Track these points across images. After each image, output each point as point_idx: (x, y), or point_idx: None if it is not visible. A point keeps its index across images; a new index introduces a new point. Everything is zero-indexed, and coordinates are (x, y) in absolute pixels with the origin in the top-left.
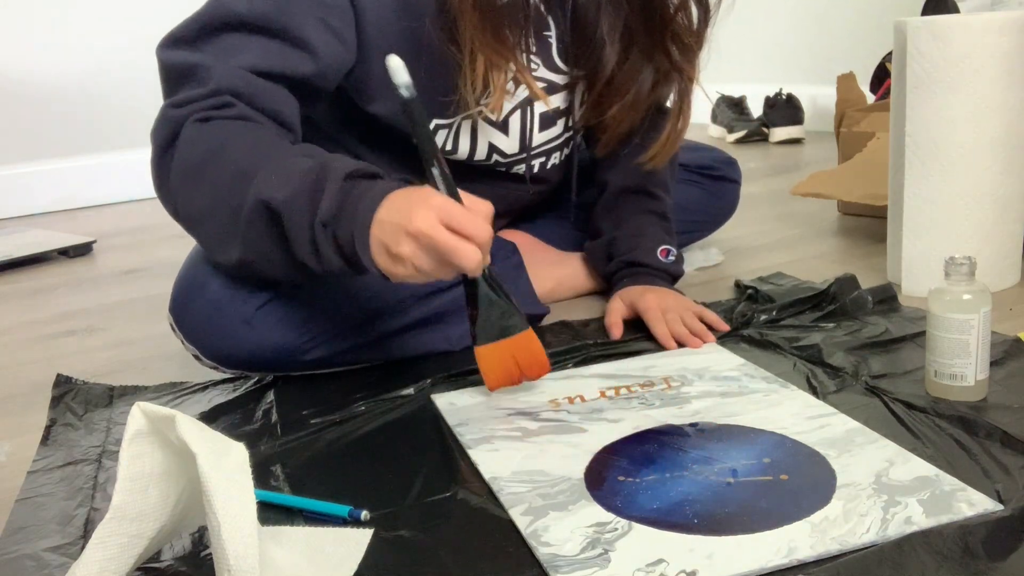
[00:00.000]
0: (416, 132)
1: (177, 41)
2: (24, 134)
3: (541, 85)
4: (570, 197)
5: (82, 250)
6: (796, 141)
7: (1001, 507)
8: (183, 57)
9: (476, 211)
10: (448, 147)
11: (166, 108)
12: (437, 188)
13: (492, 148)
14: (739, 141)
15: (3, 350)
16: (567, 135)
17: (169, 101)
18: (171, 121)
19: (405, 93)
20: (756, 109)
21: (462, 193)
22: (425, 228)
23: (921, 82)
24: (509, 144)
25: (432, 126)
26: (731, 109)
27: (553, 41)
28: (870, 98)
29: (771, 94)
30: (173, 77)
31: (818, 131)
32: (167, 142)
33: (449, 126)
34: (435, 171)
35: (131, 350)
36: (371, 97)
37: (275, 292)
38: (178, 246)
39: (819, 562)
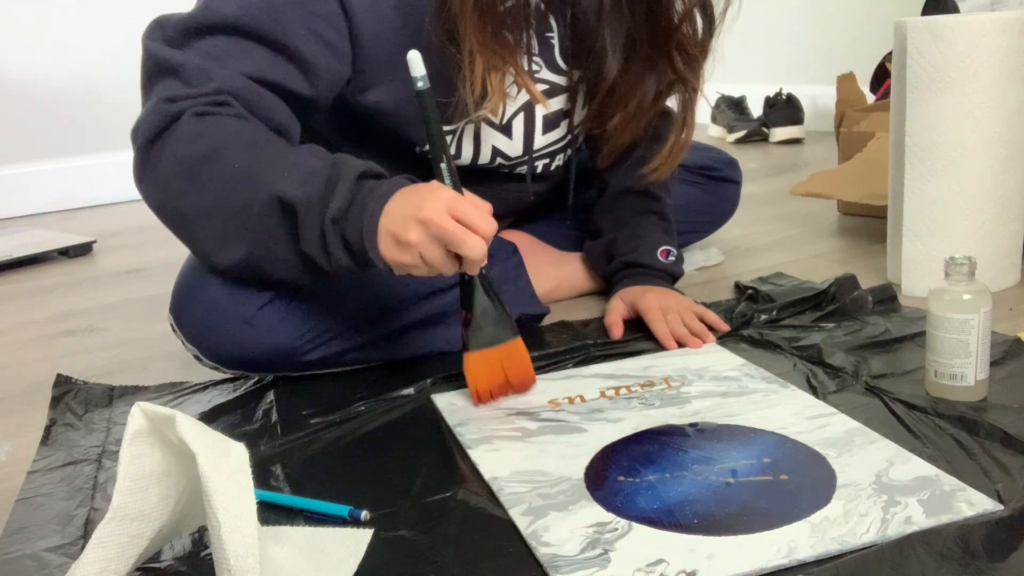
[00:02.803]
0: (428, 127)
1: (167, 35)
2: (24, 134)
3: (543, 87)
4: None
5: (82, 250)
6: (796, 141)
7: (1001, 507)
8: (172, 54)
9: (480, 207)
10: (451, 152)
11: (158, 102)
12: (444, 183)
13: (496, 151)
14: (739, 141)
15: (3, 350)
16: (570, 136)
17: (163, 96)
18: (163, 114)
19: (420, 84)
20: (756, 109)
21: (464, 191)
22: (435, 216)
23: (921, 82)
24: (512, 147)
25: None
26: (731, 109)
27: (555, 42)
28: (870, 98)
29: (771, 94)
30: (159, 71)
31: (818, 131)
32: (155, 134)
33: (453, 131)
34: (443, 166)
35: (131, 350)
36: (368, 85)
37: (275, 293)
38: (178, 246)
39: (819, 562)
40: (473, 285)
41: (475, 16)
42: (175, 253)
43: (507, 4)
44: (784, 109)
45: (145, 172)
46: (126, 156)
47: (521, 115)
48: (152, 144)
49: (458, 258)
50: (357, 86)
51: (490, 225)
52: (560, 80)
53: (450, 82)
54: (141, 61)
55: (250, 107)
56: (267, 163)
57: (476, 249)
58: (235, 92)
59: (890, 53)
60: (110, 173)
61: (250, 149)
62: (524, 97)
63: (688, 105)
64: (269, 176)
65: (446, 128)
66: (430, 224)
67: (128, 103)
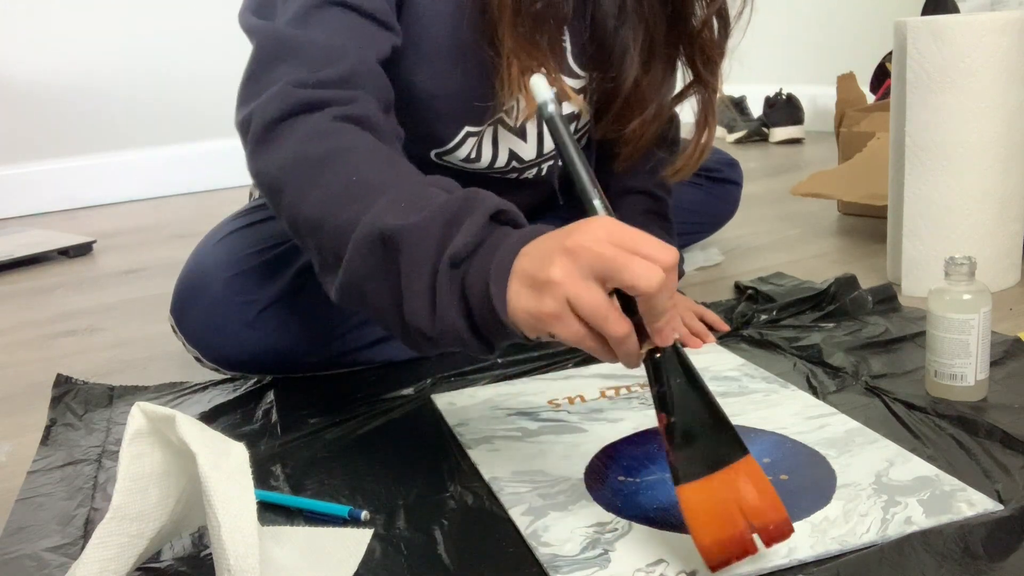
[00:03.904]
0: (568, 157)
1: (275, 12)
2: (24, 134)
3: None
4: (570, 196)
5: (82, 250)
6: (796, 141)
7: (1001, 507)
8: (292, 32)
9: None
10: (472, 155)
11: (285, 86)
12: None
13: (512, 155)
14: (739, 141)
15: (3, 350)
16: (577, 138)
17: (290, 80)
18: (290, 99)
19: (551, 108)
20: (756, 109)
21: None
22: (588, 241)
23: (921, 82)
24: (527, 150)
25: (463, 134)
26: (731, 109)
27: (568, 46)
28: (870, 98)
29: (771, 94)
30: (277, 53)
31: (818, 131)
32: (281, 116)
33: (478, 134)
34: (597, 203)
35: (131, 350)
36: (409, 64)
37: (276, 294)
38: (178, 246)
39: (819, 562)
40: (668, 368)
41: (512, 18)
42: (175, 253)
43: (539, 5)
44: (784, 109)
45: (258, 158)
46: (126, 156)
47: (534, 118)
48: (271, 128)
49: (631, 322)
50: (397, 64)
51: (669, 252)
52: (573, 83)
53: (489, 85)
54: (254, 44)
55: (381, 96)
56: (390, 181)
57: (647, 276)
58: (364, 76)
59: (890, 53)
60: (110, 173)
61: (378, 163)
62: None
63: (708, 106)
64: (384, 200)
65: (474, 129)
66: (579, 252)
67: (128, 103)
